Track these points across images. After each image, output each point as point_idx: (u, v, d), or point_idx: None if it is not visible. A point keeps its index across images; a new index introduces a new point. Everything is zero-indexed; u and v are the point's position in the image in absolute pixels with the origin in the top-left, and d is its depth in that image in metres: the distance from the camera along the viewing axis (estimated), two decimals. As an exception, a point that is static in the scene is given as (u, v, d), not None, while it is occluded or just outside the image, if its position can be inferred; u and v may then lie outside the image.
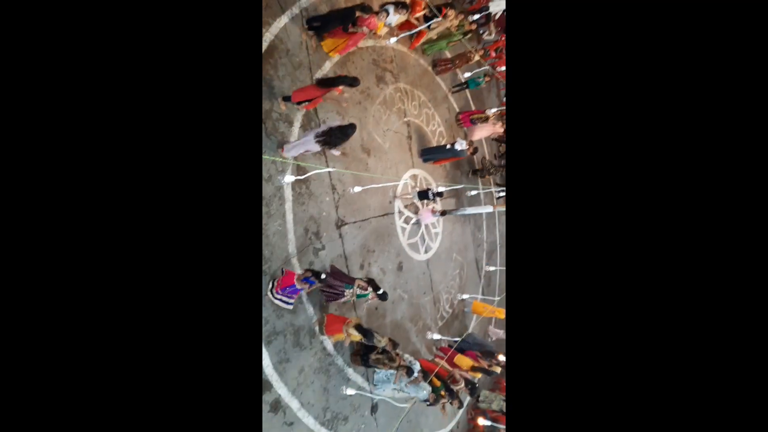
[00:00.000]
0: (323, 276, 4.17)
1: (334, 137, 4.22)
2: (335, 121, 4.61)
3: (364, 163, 5.82)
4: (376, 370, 5.06)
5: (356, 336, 4.50)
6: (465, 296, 7.43)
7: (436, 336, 6.14)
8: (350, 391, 4.61)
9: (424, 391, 4.97)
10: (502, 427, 6.30)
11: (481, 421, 5.60)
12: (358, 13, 4.74)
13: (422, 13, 5.99)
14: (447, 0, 6.66)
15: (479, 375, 6.26)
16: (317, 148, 4.27)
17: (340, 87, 4.42)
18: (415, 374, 4.90)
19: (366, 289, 4.69)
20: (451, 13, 6.36)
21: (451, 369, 5.79)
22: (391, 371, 4.93)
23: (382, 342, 4.65)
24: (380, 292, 4.74)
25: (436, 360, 6.01)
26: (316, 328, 4.69)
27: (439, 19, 6.21)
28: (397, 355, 4.85)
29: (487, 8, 7.98)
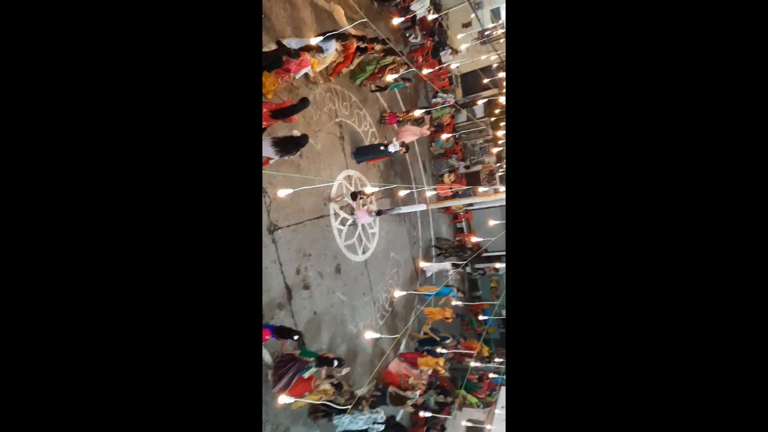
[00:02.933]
0: (296, 336, 4.30)
1: (289, 146, 4.42)
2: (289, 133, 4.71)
3: (295, 164, 5.66)
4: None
5: (329, 390, 4.53)
6: (402, 293, 7.56)
7: (375, 335, 6.19)
8: (287, 400, 4.45)
9: (381, 413, 5.14)
10: (443, 416, 6.53)
11: (422, 414, 5.77)
12: (285, 58, 4.61)
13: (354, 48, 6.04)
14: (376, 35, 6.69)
15: (442, 371, 6.61)
16: (275, 155, 4.36)
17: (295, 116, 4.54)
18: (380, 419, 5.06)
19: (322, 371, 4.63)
20: (377, 47, 6.48)
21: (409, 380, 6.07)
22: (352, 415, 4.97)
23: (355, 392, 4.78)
24: (336, 364, 4.63)
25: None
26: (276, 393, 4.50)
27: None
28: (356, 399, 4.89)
29: (412, 11, 8.19)
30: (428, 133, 8.25)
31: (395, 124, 8.07)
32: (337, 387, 4.70)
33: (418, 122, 8.12)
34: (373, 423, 5.09)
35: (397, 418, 6.39)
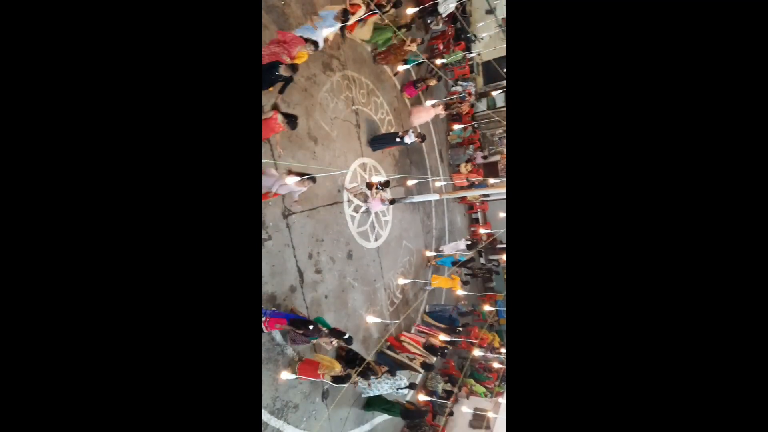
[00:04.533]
0: (311, 327, 4.49)
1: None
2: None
3: (311, 151, 5.75)
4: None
5: (338, 367, 4.85)
6: (407, 281, 7.64)
7: (376, 319, 6.35)
8: (290, 376, 4.65)
9: (404, 379, 5.53)
10: (447, 403, 6.66)
11: (421, 397, 5.94)
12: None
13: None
14: None
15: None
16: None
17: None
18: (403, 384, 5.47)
19: (331, 341, 4.83)
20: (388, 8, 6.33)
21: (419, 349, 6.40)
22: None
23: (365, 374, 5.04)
24: (345, 337, 4.86)
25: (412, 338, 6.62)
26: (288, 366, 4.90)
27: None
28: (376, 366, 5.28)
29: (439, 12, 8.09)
30: (443, 113, 8.14)
31: (413, 96, 7.93)
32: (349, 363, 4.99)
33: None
34: (397, 389, 5.44)
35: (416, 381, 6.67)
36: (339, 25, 5.30)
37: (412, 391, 5.92)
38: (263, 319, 4.42)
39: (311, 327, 4.50)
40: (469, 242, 8.91)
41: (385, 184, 6.61)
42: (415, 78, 8.63)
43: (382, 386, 5.39)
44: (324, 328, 4.80)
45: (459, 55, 9.45)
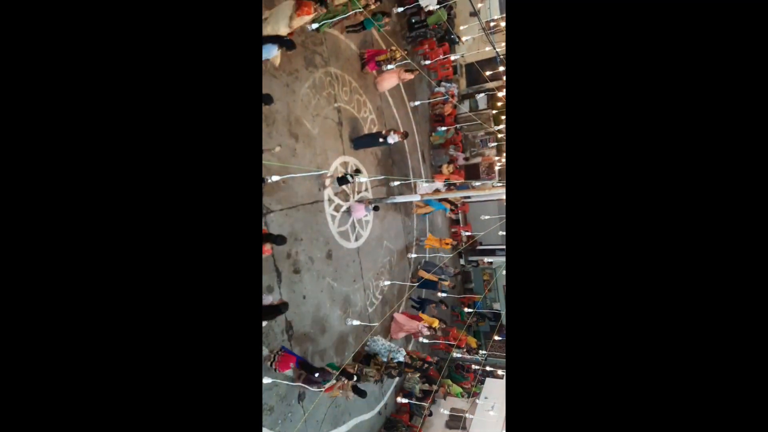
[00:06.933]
0: (317, 374, 4.68)
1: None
2: None
3: (291, 148, 5.63)
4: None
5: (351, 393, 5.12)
6: (387, 282, 7.61)
7: (356, 322, 6.30)
8: (266, 380, 4.55)
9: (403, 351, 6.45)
10: (424, 404, 6.68)
11: (398, 399, 6.05)
12: None
13: None
14: None
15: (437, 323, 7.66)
16: None
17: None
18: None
19: (345, 382, 5.04)
20: None
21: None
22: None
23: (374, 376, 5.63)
24: (354, 380, 5.12)
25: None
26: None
27: None
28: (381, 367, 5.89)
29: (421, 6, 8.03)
30: (407, 77, 7.68)
31: (375, 71, 7.58)
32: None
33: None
34: (393, 359, 6.37)
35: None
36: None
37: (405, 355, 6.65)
38: (278, 354, 4.55)
39: (317, 375, 4.60)
40: (446, 187, 9.33)
41: (375, 209, 6.86)
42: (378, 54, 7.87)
43: (391, 349, 6.30)
44: (332, 370, 4.90)
45: (443, 14, 8.89)
